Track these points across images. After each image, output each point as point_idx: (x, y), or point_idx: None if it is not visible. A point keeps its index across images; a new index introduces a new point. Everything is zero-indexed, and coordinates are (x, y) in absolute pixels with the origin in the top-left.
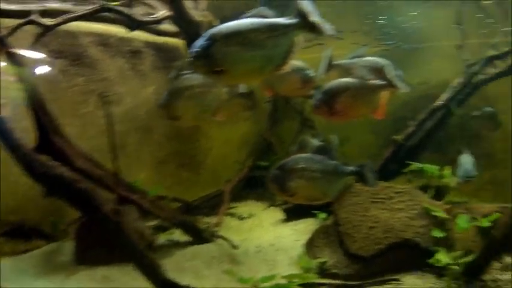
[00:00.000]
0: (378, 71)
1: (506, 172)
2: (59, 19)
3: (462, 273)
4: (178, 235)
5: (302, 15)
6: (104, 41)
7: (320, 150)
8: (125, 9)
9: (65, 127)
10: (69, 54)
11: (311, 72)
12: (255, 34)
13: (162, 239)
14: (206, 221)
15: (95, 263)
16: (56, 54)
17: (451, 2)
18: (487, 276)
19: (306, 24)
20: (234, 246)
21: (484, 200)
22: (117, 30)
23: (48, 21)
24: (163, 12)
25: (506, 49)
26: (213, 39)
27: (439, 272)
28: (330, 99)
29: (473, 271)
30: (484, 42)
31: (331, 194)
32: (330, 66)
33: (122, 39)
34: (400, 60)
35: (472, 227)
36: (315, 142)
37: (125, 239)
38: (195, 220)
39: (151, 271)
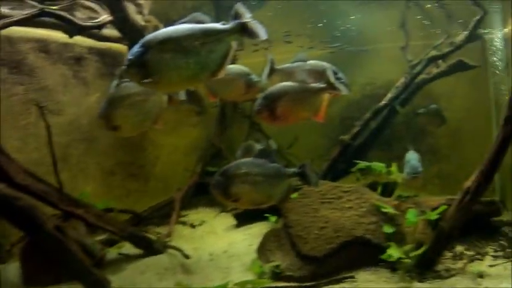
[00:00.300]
0: (320, 74)
1: (450, 166)
2: None
3: (415, 266)
4: (128, 248)
5: (238, 20)
6: (44, 47)
7: (261, 154)
8: (66, 14)
9: (4, 140)
10: (7, 61)
11: (255, 77)
12: (190, 40)
13: (112, 253)
14: (157, 231)
15: (43, 283)
16: None
17: (394, 4)
18: (439, 267)
19: (240, 29)
20: (186, 256)
21: (431, 194)
22: (59, 35)
23: None
24: (105, 16)
25: (447, 50)
26: (147, 47)
27: (393, 266)
28: (271, 103)
29: (426, 263)
30: (427, 43)
31: (275, 196)
32: (273, 70)
33: (64, 46)
34: (345, 62)
35: (421, 220)
36: (259, 147)
37: (70, 257)
38: (146, 231)
39: None
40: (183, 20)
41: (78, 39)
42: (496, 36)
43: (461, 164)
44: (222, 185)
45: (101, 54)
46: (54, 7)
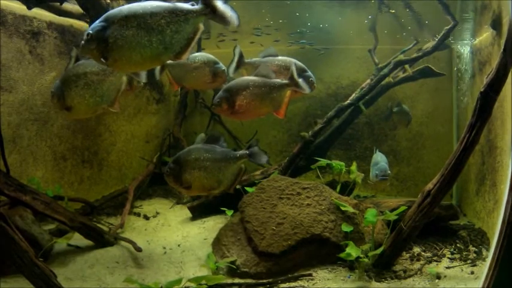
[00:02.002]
0: (286, 70)
1: (410, 168)
2: None
3: (373, 265)
4: (78, 239)
5: (207, 1)
6: (0, 18)
7: (210, 140)
8: None
9: None
10: None
11: (222, 66)
12: (155, 18)
13: (60, 244)
14: (109, 222)
15: None
16: None
17: (367, 7)
18: (397, 267)
19: (210, 11)
20: (139, 249)
21: (389, 195)
22: (16, 6)
23: None
24: None
25: (415, 55)
26: (109, 21)
27: (351, 265)
28: (231, 97)
29: (384, 263)
30: (395, 48)
31: (225, 181)
32: (241, 63)
33: (22, 18)
34: (313, 60)
35: (380, 221)
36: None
37: (12, 247)
38: (97, 222)
39: (43, 281)
40: None
41: (38, 12)
42: (465, 46)
43: (420, 167)
44: (174, 172)
45: (61, 30)
46: None
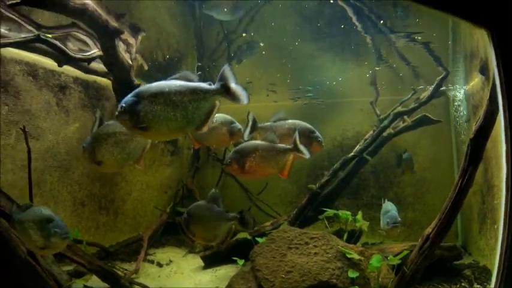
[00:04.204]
0: (290, 135)
1: (415, 214)
2: None
3: None
4: (95, 281)
5: (223, 82)
6: (32, 71)
7: (211, 199)
8: (59, 43)
9: None
10: None
11: (237, 125)
12: (179, 96)
13: (78, 284)
14: (124, 268)
15: None
16: None
17: (366, 61)
18: None
19: (224, 91)
20: None
21: (397, 240)
22: (47, 62)
23: None
24: (95, 51)
25: (413, 106)
26: (140, 97)
27: None
28: (241, 158)
29: None
30: (395, 98)
31: (220, 235)
32: (254, 128)
33: (51, 72)
34: (318, 114)
35: (385, 265)
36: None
37: (40, 283)
38: (112, 267)
39: None
40: (173, 76)
41: (65, 69)
42: (459, 92)
43: (425, 211)
44: (186, 222)
45: (85, 85)
46: (49, 35)
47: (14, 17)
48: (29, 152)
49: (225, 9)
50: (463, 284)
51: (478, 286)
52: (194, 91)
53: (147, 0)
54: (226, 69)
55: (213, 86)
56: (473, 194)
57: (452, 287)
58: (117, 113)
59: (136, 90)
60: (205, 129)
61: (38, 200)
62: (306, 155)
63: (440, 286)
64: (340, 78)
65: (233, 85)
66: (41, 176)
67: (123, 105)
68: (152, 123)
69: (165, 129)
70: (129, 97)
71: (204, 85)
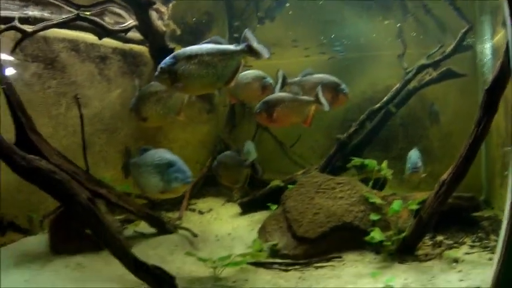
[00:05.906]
0: (326, 87)
1: (442, 167)
2: (38, 26)
3: (396, 250)
4: (143, 227)
5: (246, 43)
6: (75, 46)
7: (238, 151)
8: (98, 19)
9: (38, 127)
10: (43, 58)
11: (269, 80)
12: (210, 57)
13: (129, 230)
14: (168, 216)
15: (69, 252)
16: (31, 58)
17: (395, 15)
18: (419, 252)
19: (248, 50)
20: (195, 235)
21: (423, 191)
22: (87, 36)
23: (27, 28)
24: (131, 21)
25: (437, 58)
26: (177, 59)
27: (377, 249)
28: (269, 108)
29: (406, 248)
30: (423, 52)
31: (241, 179)
32: (284, 83)
33: (91, 46)
34: (348, 68)
35: (405, 211)
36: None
37: (100, 224)
38: (159, 214)
39: (123, 253)
40: (205, 41)
41: (104, 41)
42: (486, 46)
43: (451, 164)
44: (216, 170)
45: (123, 54)
46: (87, 13)
47: (54, 1)
48: (81, 117)
49: None
50: (479, 235)
51: (494, 237)
52: (223, 52)
53: None
54: (248, 33)
55: (238, 47)
56: (496, 147)
57: (469, 236)
58: (156, 73)
59: (173, 53)
60: (232, 84)
61: (89, 160)
62: (326, 107)
63: (457, 234)
64: (368, 31)
65: (255, 44)
66: (91, 139)
67: (163, 66)
68: (187, 80)
69: (199, 85)
70: (167, 59)
71: (231, 46)
